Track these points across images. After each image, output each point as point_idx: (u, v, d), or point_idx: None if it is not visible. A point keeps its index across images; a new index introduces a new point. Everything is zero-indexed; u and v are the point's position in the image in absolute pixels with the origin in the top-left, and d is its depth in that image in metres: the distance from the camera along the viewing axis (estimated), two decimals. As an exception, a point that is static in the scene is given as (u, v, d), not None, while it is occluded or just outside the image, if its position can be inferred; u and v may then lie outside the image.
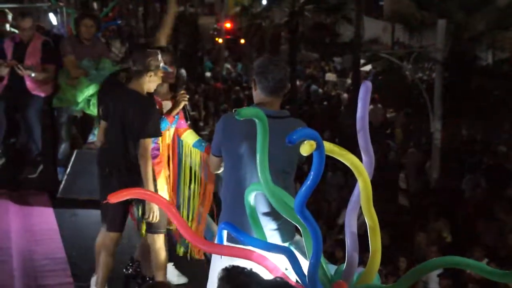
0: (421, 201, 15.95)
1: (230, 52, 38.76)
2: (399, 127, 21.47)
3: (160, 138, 6.29)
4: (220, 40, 38.65)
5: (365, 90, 3.82)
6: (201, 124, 22.99)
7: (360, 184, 3.81)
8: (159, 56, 5.97)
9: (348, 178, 15.47)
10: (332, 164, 14.83)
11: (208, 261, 5.24)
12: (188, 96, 6.49)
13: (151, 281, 6.33)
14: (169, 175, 6.62)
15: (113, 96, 6.23)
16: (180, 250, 6.93)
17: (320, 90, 28.65)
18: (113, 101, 6.15)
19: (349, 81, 28.40)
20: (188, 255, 6.81)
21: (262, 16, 28.72)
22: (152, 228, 6.24)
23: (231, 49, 39.05)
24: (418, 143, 19.57)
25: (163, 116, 6.27)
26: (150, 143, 5.96)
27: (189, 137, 6.75)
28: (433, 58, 17.61)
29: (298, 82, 28.24)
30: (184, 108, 6.51)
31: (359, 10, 25.30)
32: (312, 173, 3.60)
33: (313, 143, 3.52)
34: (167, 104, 6.43)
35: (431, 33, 17.92)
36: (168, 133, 6.43)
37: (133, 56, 6.19)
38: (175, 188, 6.82)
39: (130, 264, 7.01)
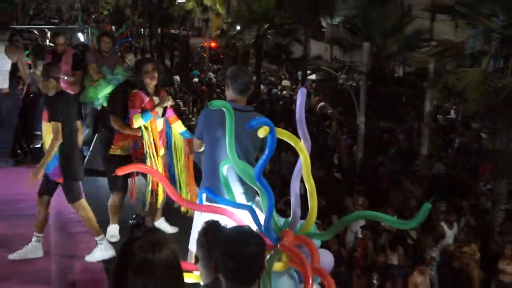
0: (349, 174, 16.06)
1: (212, 64, 38.60)
2: (335, 120, 21.57)
3: (148, 127, 6.23)
4: (205, 55, 38.53)
5: (301, 94, 3.85)
6: (190, 116, 22.85)
7: (301, 159, 3.84)
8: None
9: (296, 157, 15.52)
10: (286, 146, 14.85)
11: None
12: (170, 98, 6.39)
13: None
14: (164, 154, 6.52)
15: None
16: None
17: (278, 92, 28.66)
18: None
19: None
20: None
21: (236, 38, 28.62)
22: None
23: (213, 61, 38.90)
24: (348, 131, 19.67)
25: (148, 110, 6.16)
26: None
27: (178, 126, 6.71)
28: (360, 70, 17.67)
29: (262, 87, 28.23)
30: (175, 103, 6.52)
31: (306, 35, 25.35)
32: (267, 150, 3.65)
33: (267, 128, 3.57)
34: (156, 100, 6.34)
35: (358, 52, 17.97)
36: (155, 123, 6.28)
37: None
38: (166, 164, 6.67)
39: (134, 217, 7.00)
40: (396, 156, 17.24)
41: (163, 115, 6.45)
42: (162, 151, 6.49)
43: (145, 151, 6.27)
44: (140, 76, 6.33)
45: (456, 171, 15.85)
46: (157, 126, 6.33)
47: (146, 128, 6.24)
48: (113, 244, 6.36)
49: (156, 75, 6.32)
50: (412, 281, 9.86)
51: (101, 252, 6.13)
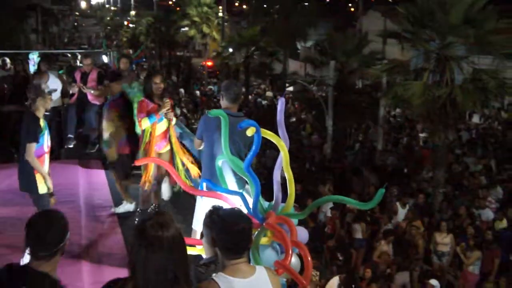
0: (320, 166, 16.05)
1: (210, 79, 38.47)
2: (308, 123, 21.56)
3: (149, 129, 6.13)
4: (204, 72, 38.40)
5: (280, 103, 3.83)
6: (192, 121, 22.74)
7: (282, 154, 3.81)
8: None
9: (278, 153, 15.45)
10: (270, 144, 14.81)
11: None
12: (169, 104, 6.17)
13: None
14: (168, 150, 6.39)
15: None
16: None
17: (263, 101, 28.62)
18: None
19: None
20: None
21: (229, 58, 28.56)
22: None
23: (210, 77, 38.78)
24: (319, 132, 19.68)
25: (152, 113, 6.07)
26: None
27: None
28: (328, 83, 17.68)
29: (249, 97, 28.19)
30: (174, 107, 6.43)
31: (285, 55, 25.40)
32: (253, 146, 3.63)
33: (254, 128, 3.56)
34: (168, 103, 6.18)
35: (326, 69, 17.98)
36: (156, 125, 6.15)
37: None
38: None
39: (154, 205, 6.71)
40: (358, 151, 17.30)
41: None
42: (167, 147, 6.35)
43: (140, 147, 6.20)
44: (150, 85, 6.22)
45: (404, 162, 15.90)
46: (157, 127, 6.19)
47: (146, 129, 6.15)
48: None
49: (162, 85, 6.21)
50: (379, 249, 9.86)
51: None
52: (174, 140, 6.36)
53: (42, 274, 2.73)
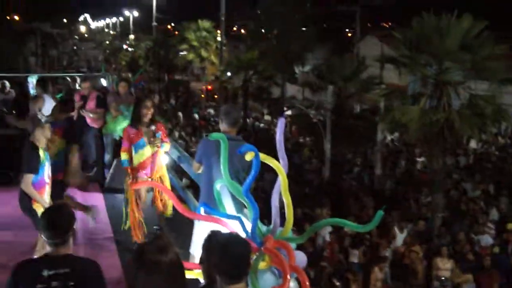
0: (319, 190, 16.03)
1: (208, 102, 38.62)
2: (307, 147, 21.55)
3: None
4: (203, 96, 38.58)
5: (280, 123, 3.85)
6: (190, 144, 22.77)
7: (280, 178, 3.81)
8: None
9: (277, 176, 15.41)
10: (268, 168, 14.80)
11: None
12: (159, 144, 6.17)
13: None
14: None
15: None
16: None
17: (261, 125, 28.67)
18: None
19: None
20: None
21: (227, 82, 28.77)
22: None
23: (209, 100, 38.94)
24: (317, 155, 19.69)
25: (139, 141, 6.11)
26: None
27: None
28: (326, 107, 17.79)
29: (248, 120, 28.26)
30: (171, 131, 6.45)
31: (283, 79, 25.57)
32: (252, 171, 3.65)
33: (253, 153, 3.58)
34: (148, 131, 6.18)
35: (324, 93, 18.11)
36: (141, 151, 6.15)
37: None
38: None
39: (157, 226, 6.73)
40: (356, 175, 17.30)
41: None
42: (158, 173, 6.30)
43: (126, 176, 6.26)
44: (139, 109, 6.21)
45: (402, 187, 15.89)
46: (141, 153, 6.17)
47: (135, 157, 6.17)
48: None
49: (151, 110, 6.20)
50: (373, 277, 9.80)
51: None
52: (159, 168, 6.30)
53: (63, 255, 3.21)
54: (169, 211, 6.34)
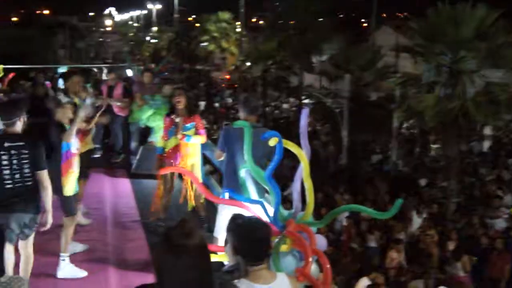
0: (337, 176, 15.96)
1: (227, 91, 38.61)
2: (323, 134, 21.44)
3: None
4: (223, 85, 38.56)
5: (304, 114, 3.82)
6: (212, 132, 22.85)
7: (302, 164, 3.80)
8: None
9: (296, 162, 15.38)
10: (287, 154, 14.76)
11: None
12: (179, 135, 6.15)
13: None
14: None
15: None
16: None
17: (279, 113, 28.62)
18: None
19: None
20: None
21: (246, 71, 28.69)
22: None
23: (229, 89, 38.92)
24: (335, 143, 19.57)
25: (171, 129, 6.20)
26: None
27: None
28: (343, 96, 17.65)
29: (267, 109, 28.20)
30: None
31: (301, 68, 25.37)
32: (276, 156, 3.64)
33: (276, 139, 3.57)
34: (181, 119, 6.18)
35: (341, 82, 17.95)
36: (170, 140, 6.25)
37: None
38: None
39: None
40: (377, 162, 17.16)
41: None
42: (189, 160, 6.28)
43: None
44: (172, 98, 6.34)
45: (417, 173, 15.76)
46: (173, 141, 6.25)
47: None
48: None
49: (180, 100, 6.21)
50: (390, 256, 9.74)
51: (70, 269, 5.18)
52: (188, 157, 6.26)
53: (16, 133, 4.39)
54: (198, 200, 6.31)
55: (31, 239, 4.57)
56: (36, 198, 4.43)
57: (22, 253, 4.56)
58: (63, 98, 5.34)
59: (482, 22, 11.96)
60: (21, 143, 4.33)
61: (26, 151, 4.32)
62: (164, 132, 6.33)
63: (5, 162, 4.28)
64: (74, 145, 5.26)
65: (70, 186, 5.20)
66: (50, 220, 4.54)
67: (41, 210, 4.52)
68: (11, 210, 4.30)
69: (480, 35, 11.94)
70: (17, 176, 4.30)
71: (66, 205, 5.21)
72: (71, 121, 5.28)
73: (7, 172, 4.28)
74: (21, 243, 4.54)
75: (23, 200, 4.33)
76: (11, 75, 11.63)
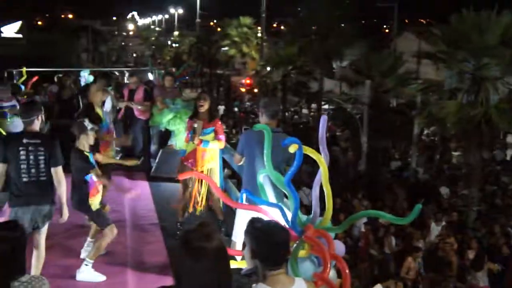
0: (355, 182, 15.84)
1: (247, 96, 38.68)
2: (343, 140, 21.32)
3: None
4: (243, 90, 38.65)
5: (323, 120, 3.80)
6: (231, 136, 22.89)
7: (321, 170, 3.78)
8: None
9: (314, 168, 15.35)
10: (305, 160, 14.71)
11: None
12: (196, 141, 6.13)
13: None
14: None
15: None
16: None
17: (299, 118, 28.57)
18: None
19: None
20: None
21: (267, 76, 28.67)
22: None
23: (249, 94, 39.00)
24: (354, 149, 19.45)
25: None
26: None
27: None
28: (363, 102, 17.52)
29: (286, 114, 28.18)
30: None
31: (321, 74, 25.31)
32: (295, 162, 3.62)
33: (297, 145, 3.55)
34: (199, 123, 6.16)
35: (361, 88, 17.83)
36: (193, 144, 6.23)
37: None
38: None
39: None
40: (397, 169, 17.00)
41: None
42: (207, 165, 6.29)
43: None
44: (195, 102, 6.34)
45: (438, 180, 15.57)
46: (191, 145, 6.27)
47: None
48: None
49: (203, 104, 6.21)
50: (406, 265, 9.64)
51: (89, 273, 5.18)
52: (206, 161, 6.26)
53: (35, 131, 4.70)
54: (217, 204, 6.32)
55: (44, 232, 4.73)
56: (50, 192, 4.67)
57: (34, 248, 4.69)
58: (88, 125, 5.35)
59: (507, 29, 11.82)
60: (38, 141, 4.61)
61: (42, 148, 4.60)
62: (186, 134, 6.36)
63: (22, 157, 4.55)
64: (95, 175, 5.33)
65: (96, 201, 5.27)
66: (66, 212, 4.80)
67: (55, 203, 4.73)
68: (27, 203, 4.56)
69: (505, 42, 11.80)
70: (32, 170, 4.57)
71: (98, 219, 5.28)
72: (92, 146, 5.38)
73: (24, 166, 4.55)
74: (35, 237, 4.66)
75: (38, 193, 4.59)
76: (34, 78, 11.78)
